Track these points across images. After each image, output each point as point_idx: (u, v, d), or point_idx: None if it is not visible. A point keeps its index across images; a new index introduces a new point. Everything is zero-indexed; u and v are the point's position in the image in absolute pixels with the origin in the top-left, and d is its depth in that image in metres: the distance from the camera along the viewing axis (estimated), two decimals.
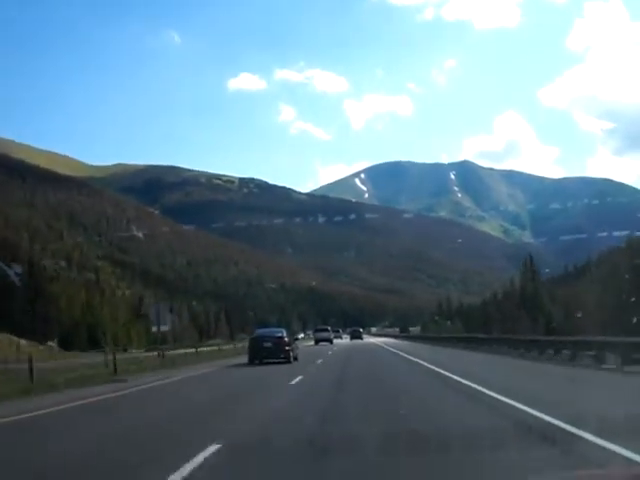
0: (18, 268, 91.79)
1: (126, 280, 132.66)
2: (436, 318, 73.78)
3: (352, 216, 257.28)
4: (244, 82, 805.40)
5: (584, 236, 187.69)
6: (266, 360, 26.46)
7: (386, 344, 53.02)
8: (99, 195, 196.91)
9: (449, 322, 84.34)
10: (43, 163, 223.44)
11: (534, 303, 62.20)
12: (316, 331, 72.02)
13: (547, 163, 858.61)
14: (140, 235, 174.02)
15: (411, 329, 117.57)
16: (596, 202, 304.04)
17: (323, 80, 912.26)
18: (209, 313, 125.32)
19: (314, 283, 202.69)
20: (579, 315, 49.45)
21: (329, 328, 72.63)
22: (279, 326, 70.00)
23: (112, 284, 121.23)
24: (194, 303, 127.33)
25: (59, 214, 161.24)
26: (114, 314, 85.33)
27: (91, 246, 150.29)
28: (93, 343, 66.70)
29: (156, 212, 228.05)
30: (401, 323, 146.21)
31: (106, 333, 74.98)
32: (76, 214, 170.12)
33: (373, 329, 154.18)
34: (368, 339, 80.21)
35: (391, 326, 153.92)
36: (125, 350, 61.30)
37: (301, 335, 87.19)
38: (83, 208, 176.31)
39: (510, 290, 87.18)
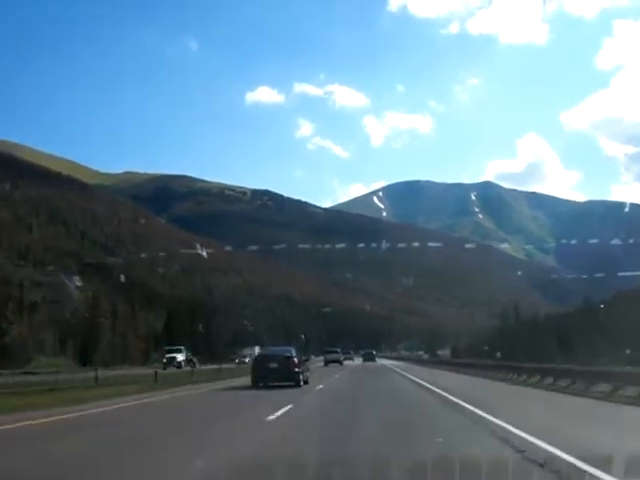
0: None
1: (94, 282, 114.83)
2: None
3: (371, 233, 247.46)
4: (262, 95, 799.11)
5: (612, 266, 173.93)
6: (272, 383, 24.10)
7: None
8: (90, 194, 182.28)
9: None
10: (50, 167, 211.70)
11: None
12: (326, 352, 71.22)
13: (569, 187, 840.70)
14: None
15: (439, 352, 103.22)
16: (623, 229, 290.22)
17: (343, 95, 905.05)
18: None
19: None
20: None
21: (339, 350, 72.59)
22: (274, 345, 61.17)
23: (71, 285, 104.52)
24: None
25: (38, 209, 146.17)
26: None
27: (68, 244, 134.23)
28: None
29: (159, 219, 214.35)
30: (426, 345, 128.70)
31: None
32: (60, 211, 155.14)
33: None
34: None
35: (412, 349, 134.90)
36: None
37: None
38: (70, 206, 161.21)
39: None
